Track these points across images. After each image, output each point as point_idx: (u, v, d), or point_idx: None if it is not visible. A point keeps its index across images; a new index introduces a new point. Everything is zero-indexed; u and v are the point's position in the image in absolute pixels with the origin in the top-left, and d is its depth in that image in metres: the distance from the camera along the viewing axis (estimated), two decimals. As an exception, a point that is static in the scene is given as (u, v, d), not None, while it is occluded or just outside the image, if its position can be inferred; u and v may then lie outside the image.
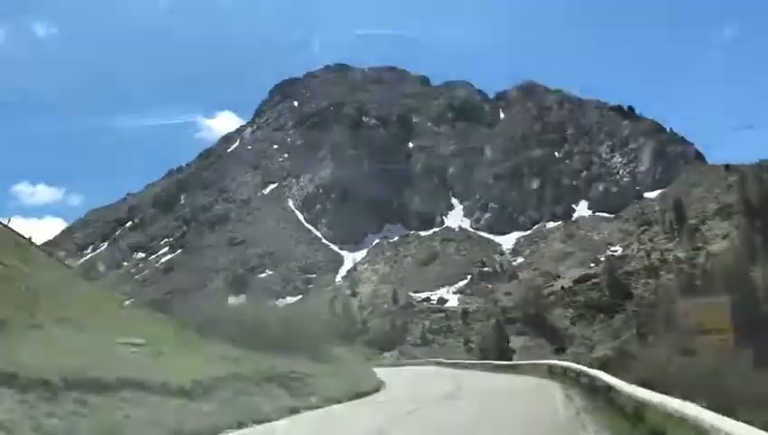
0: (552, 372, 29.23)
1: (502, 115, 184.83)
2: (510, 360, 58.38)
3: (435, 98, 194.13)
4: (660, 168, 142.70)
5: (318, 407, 18.06)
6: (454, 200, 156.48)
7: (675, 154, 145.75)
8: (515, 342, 66.53)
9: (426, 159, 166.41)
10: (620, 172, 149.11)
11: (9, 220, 30.98)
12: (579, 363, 51.77)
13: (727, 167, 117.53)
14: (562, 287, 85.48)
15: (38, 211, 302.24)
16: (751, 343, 29.43)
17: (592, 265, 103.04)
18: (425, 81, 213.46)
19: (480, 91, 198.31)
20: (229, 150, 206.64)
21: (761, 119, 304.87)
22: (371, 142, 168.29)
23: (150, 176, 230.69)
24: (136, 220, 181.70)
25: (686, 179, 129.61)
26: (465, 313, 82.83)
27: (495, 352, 58.76)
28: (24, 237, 27.31)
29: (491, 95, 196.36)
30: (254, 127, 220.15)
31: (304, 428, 14.47)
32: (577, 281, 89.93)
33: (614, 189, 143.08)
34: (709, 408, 8.02)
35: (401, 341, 75.49)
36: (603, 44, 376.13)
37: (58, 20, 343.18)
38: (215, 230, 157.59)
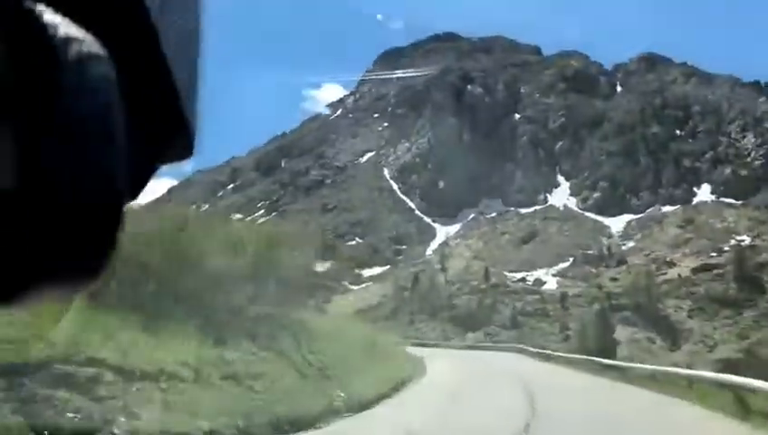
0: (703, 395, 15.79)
1: (618, 88, 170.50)
2: (614, 353, 50.16)
3: (546, 68, 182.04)
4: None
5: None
6: (560, 177, 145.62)
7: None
8: (621, 333, 57.83)
9: (532, 132, 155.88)
10: (752, 154, 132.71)
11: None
12: (697, 366, 43.04)
13: None
14: (679, 276, 74.98)
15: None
16: None
17: (714, 254, 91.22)
18: (536, 50, 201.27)
19: (596, 62, 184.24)
20: (331, 119, 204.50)
21: None
22: (474, 112, 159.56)
23: (256, 142, 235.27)
24: (237, 183, 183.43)
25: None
26: (563, 296, 74.29)
27: (596, 343, 50.55)
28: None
29: (608, 66, 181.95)
30: (357, 96, 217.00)
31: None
32: (696, 270, 78.91)
33: (743, 173, 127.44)
34: None
35: (488, 321, 68.37)
36: (736, 14, 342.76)
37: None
38: (309, 195, 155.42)
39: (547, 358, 39.10)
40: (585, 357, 33.64)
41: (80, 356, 8.91)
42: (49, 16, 0.49)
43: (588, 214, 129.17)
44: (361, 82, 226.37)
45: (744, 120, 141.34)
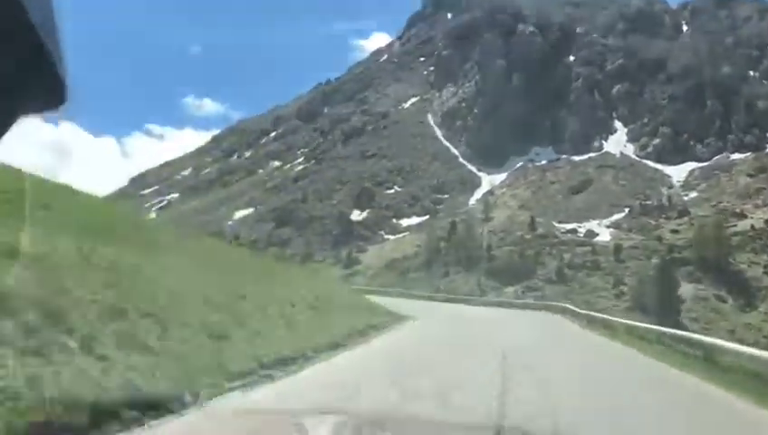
0: None
1: (685, 28, 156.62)
2: (678, 313, 42.85)
3: (604, 7, 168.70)
4: None
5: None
6: (617, 123, 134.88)
7: None
8: (685, 290, 50.11)
9: (587, 74, 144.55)
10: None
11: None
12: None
13: None
14: (753, 227, 66.08)
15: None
16: None
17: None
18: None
19: (660, 1, 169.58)
20: (375, 64, 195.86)
21: None
22: (525, 53, 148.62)
23: (300, 91, 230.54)
24: (279, 131, 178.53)
25: None
26: (618, 247, 66.40)
27: (656, 301, 43.12)
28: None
29: (673, 5, 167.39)
30: (404, 40, 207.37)
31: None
32: (772, 222, 69.76)
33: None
34: None
35: (530, 274, 61.23)
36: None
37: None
38: (349, 142, 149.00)
39: (596, 323, 30.11)
40: (655, 328, 23.93)
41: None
42: None
43: (647, 162, 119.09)
44: (408, 26, 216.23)
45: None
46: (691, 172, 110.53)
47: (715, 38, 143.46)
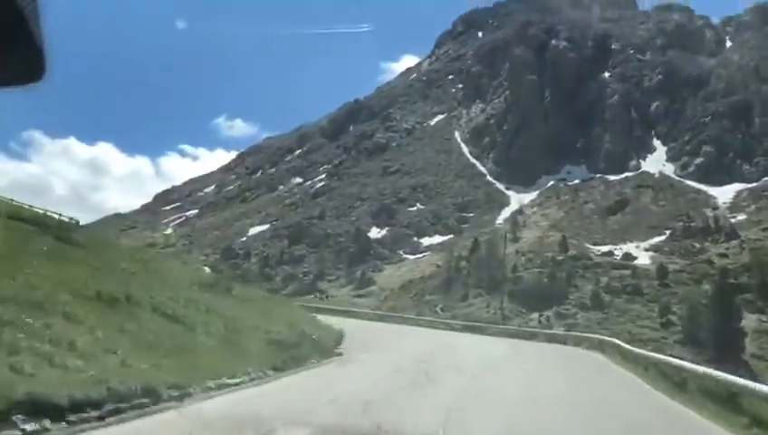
0: None
1: (728, 43, 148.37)
2: (740, 348, 35.55)
3: (641, 22, 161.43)
4: None
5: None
6: (656, 141, 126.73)
7: None
8: (747, 321, 42.42)
9: (624, 90, 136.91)
10: None
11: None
12: None
13: None
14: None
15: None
16: None
17: None
18: (630, 4, 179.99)
19: (701, 16, 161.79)
20: (403, 83, 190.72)
21: None
22: (558, 68, 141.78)
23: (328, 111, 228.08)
24: (304, 148, 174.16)
25: None
26: (662, 270, 58.66)
27: (713, 333, 35.68)
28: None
29: (715, 20, 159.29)
30: (433, 59, 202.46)
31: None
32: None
33: None
34: None
35: (561, 299, 53.80)
36: None
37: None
38: (372, 159, 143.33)
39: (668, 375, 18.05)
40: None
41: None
42: None
43: (688, 182, 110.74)
44: (438, 45, 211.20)
45: None
46: (738, 193, 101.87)
47: (761, 53, 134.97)
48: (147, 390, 8.02)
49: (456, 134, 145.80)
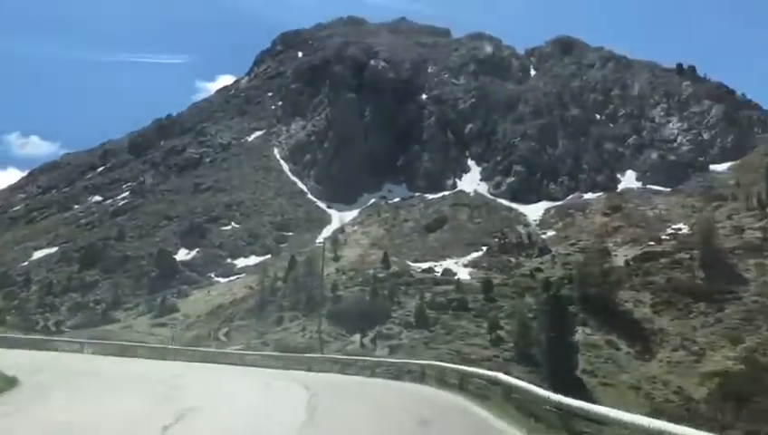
0: None
1: (533, 72, 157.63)
2: (574, 365, 32.64)
3: (455, 49, 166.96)
4: (732, 136, 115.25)
5: None
6: (470, 162, 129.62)
7: (749, 121, 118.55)
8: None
9: (440, 112, 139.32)
10: (678, 140, 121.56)
11: None
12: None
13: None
14: (628, 263, 59.15)
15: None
16: None
17: (652, 242, 77.26)
18: (444, 33, 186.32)
19: (508, 46, 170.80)
20: (220, 99, 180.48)
21: None
22: (377, 88, 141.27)
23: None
24: (108, 165, 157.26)
25: (766, 150, 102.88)
26: (488, 284, 56.41)
27: (545, 348, 32.55)
28: None
29: (520, 50, 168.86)
30: (252, 76, 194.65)
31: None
32: (642, 259, 63.55)
33: (671, 158, 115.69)
34: None
35: (384, 317, 49.17)
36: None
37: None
38: (182, 175, 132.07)
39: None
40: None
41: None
42: None
43: (501, 200, 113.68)
44: (258, 63, 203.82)
45: (668, 103, 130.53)
46: (547, 211, 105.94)
47: (562, 82, 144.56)
48: None
49: (276, 151, 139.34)
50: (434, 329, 46.75)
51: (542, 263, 76.01)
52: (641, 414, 9.84)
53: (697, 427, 8.54)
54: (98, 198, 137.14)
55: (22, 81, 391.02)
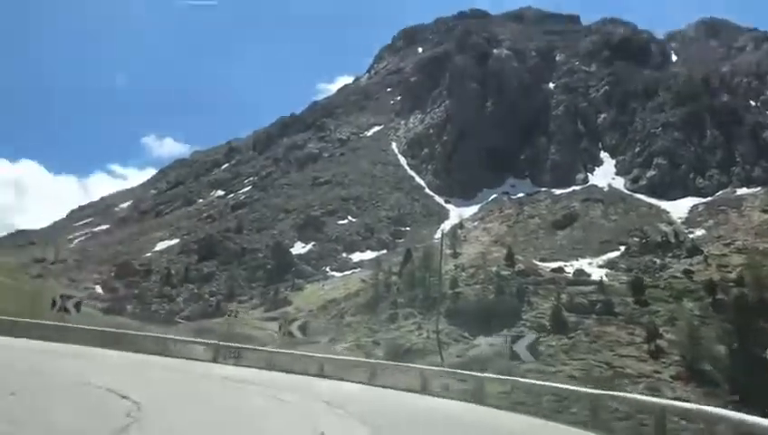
0: None
1: (674, 57, 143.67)
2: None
3: (585, 35, 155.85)
4: None
5: None
6: (603, 154, 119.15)
7: None
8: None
9: (569, 102, 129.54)
10: None
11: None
12: None
13: None
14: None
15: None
16: None
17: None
18: (574, 19, 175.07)
19: (645, 31, 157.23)
20: (340, 97, 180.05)
21: None
22: (501, 77, 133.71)
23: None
24: (233, 162, 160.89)
25: None
26: (638, 284, 48.30)
27: (728, 363, 24.97)
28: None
29: (659, 35, 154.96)
30: (372, 72, 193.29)
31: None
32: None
33: None
34: None
35: (514, 319, 42.56)
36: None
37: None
38: (302, 170, 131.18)
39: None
40: None
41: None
42: None
43: (639, 196, 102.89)
44: (378, 59, 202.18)
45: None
46: (694, 207, 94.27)
47: (708, 67, 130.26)
48: None
49: (394, 145, 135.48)
50: (573, 335, 39.70)
51: (692, 265, 66.12)
52: None
53: None
54: (220, 192, 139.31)
55: (162, 84, 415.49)
